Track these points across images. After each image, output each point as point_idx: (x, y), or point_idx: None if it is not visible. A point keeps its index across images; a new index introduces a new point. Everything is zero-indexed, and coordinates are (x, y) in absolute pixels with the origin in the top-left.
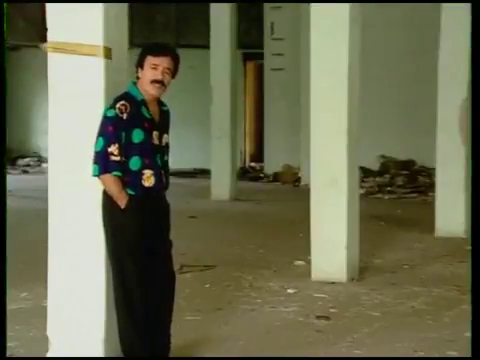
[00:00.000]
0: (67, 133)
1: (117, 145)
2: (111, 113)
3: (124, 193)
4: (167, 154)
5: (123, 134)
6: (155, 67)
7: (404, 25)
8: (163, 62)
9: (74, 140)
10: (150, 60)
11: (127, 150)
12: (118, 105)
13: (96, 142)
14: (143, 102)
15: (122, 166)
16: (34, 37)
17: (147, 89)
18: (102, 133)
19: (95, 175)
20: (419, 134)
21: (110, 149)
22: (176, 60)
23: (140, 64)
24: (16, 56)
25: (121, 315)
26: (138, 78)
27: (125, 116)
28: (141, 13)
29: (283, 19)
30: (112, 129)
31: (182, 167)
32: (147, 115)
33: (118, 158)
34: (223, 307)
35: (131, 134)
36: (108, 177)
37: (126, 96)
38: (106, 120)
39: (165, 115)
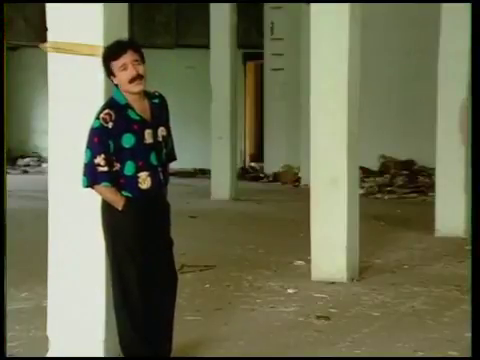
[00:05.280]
0: (67, 133)
1: (103, 156)
2: (96, 124)
3: (119, 196)
4: (165, 147)
5: (111, 143)
6: (124, 67)
7: (404, 25)
8: (127, 58)
9: (74, 140)
10: (115, 64)
11: (120, 156)
12: (102, 115)
13: (84, 154)
14: (128, 105)
15: (111, 175)
16: (34, 37)
17: (129, 89)
18: (88, 145)
19: (84, 186)
20: (419, 134)
21: (96, 160)
22: (137, 48)
23: (110, 73)
24: (16, 56)
25: (121, 315)
26: (116, 85)
27: (110, 125)
28: (141, 13)
29: (283, 19)
30: (97, 140)
31: (182, 167)
32: (135, 117)
33: (106, 168)
34: (223, 307)
35: (121, 140)
36: (98, 187)
37: (110, 103)
38: (91, 131)
39: (158, 107)
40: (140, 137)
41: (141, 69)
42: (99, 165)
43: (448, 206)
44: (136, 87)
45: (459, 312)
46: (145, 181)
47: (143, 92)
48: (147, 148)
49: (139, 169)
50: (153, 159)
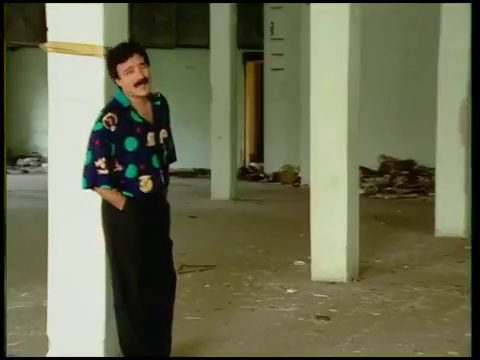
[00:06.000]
0: (67, 133)
1: (104, 159)
2: (98, 127)
3: (120, 196)
4: (166, 149)
5: (113, 146)
6: (130, 70)
7: (404, 25)
8: (134, 61)
9: (74, 140)
10: (121, 67)
11: (122, 159)
12: (105, 118)
13: (85, 156)
14: (130, 108)
15: (111, 178)
16: (34, 37)
17: (135, 92)
18: (90, 147)
19: (84, 188)
20: (419, 134)
21: (97, 163)
22: (142, 51)
23: (115, 75)
24: (16, 56)
25: (121, 315)
26: (120, 87)
27: (113, 128)
28: (141, 13)
29: (283, 19)
30: (99, 143)
31: (182, 167)
32: (138, 119)
33: (106, 171)
34: (223, 307)
35: (124, 143)
36: (98, 189)
37: (113, 105)
38: (93, 134)
39: (159, 109)
40: (142, 140)
41: (147, 72)
42: (100, 168)
43: (448, 206)
44: (142, 91)
45: (459, 312)
46: (146, 184)
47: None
48: (149, 151)
49: (141, 172)
50: (155, 162)
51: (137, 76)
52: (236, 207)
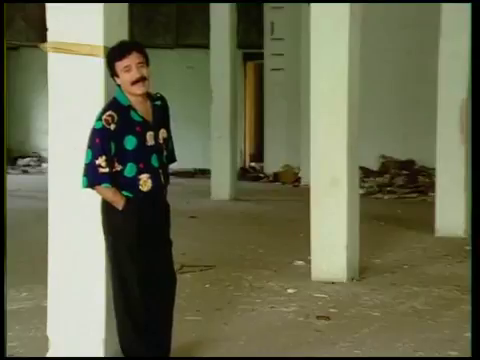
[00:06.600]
0: (67, 133)
1: (104, 157)
2: (98, 125)
3: (120, 196)
4: (166, 149)
5: (112, 144)
6: (128, 68)
7: (404, 25)
8: (132, 60)
9: (74, 140)
10: (119, 65)
11: (121, 158)
12: (104, 116)
13: (85, 154)
14: (130, 107)
15: (111, 176)
16: (34, 37)
17: (132, 91)
18: (90, 145)
19: (84, 187)
20: (419, 134)
21: (98, 161)
22: (142, 50)
23: (114, 74)
24: (16, 56)
25: (120, 316)
26: (119, 85)
27: (113, 127)
28: (141, 13)
29: (283, 19)
30: (99, 141)
31: (182, 167)
32: (138, 118)
33: (106, 170)
34: (223, 307)
35: (123, 142)
36: (99, 188)
37: (113, 104)
38: (93, 132)
39: (159, 110)
40: (142, 139)
41: (145, 71)
42: (100, 166)
43: (448, 206)
44: (139, 89)
45: (459, 312)
46: (146, 183)
47: (145, 94)
48: (148, 150)
49: (140, 171)
50: (154, 161)
51: (134, 74)
52: (236, 207)
